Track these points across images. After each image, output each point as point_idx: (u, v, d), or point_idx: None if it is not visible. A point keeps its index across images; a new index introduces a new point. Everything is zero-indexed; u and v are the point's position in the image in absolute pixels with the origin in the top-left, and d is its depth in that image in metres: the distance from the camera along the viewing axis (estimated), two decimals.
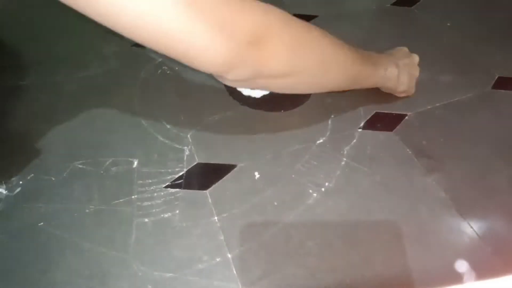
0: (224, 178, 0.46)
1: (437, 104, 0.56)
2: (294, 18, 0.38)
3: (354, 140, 0.51)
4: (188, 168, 0.46)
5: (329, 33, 0.41)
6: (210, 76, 0.43)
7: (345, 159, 0.48)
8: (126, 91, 0.55)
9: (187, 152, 0.48)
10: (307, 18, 0.71)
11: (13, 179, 0.44)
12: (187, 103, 0.54)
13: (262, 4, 0.34)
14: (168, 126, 0.51)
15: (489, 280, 0.38)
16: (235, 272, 0.38)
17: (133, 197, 0.43)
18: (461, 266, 0.40)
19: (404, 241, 0.41)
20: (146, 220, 0.41)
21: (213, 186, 0.45)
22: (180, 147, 0.48)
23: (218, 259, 0.39)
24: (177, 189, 0.44)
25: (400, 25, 0.72)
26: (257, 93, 0.56)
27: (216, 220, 0.42)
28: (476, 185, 0.47)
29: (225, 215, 0.42)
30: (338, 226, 0.42)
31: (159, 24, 0.29)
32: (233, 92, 0.56)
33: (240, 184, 0.45)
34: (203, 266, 0.38)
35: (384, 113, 0.55)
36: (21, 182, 0.43)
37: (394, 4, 0.77)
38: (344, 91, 0.58)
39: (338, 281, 0.38)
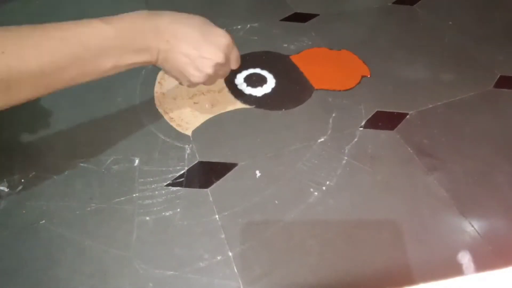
0: (225, 176, 0.46)
1: (439, 103, 0.56)
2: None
3: (355, 139, 0.51)
4: (189, 167, 0.46)
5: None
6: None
7: (346, 157, 0.48)
8: (127, 89, 0.55)
9: (188, 151, 0.48)
10: (308, 16, 0.71)
11: (15, 177, 0.44)
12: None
13: None
14: (170, 124, 0.51)
15: (486, 272, 0.39)
16: (236, 270, 0.38)
17: (134, 195, 0.43)
18: (462, 264, 0.40)
19: (405, 240, 0.41)
20: (147, 218, 0.41)
21: (214, 184, 0.45)
22: (181, 145, 0.48)
23: (219, 257, 0.39)
24: (178, 188, 0.44)
25: (401, 24, 0.72)
26: (259, 92, 0.56)
27: (217, 219, 0.42)
28: (478, 184, 0.47)
29: (226, 213, 0.42)
30: (339, 225, 0.42)
31: None
32: (235, 91, 0.56)
33: (241, 182, 0.45)
34: (204, 264, 0.38)
35: (385, 111, 0.55)
36: (22, 180, 0.44)
37: (395, 2, 0.77)
38: (345, 90, 0.58)
39: (339, 280, 0.38)
